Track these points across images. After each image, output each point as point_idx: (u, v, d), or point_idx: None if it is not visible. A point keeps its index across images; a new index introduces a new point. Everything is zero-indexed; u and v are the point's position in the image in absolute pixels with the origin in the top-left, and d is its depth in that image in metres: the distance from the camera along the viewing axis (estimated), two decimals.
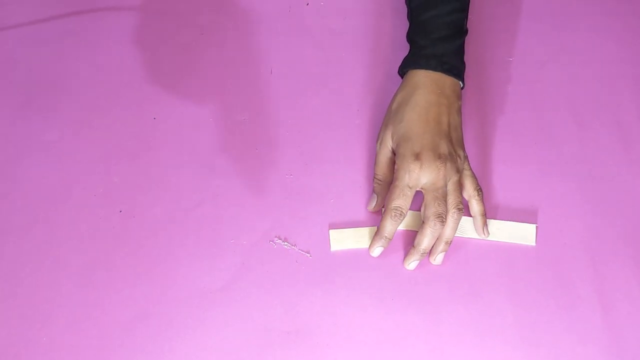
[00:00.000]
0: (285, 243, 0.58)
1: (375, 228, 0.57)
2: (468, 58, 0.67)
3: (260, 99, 0.65)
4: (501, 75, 0.66)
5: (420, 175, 0.53)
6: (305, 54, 0.68)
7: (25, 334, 0.54)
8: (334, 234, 0.57)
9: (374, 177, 0.58)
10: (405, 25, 0.67)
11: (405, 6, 0.67)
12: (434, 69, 0.57)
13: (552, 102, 0.64)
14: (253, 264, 0.57)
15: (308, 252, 0.57)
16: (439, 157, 0.54)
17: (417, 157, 0.53)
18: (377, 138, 0.59)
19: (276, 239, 0.58)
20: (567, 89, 0.65)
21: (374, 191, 0.58)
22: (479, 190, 0.56)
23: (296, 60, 0.67)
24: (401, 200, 0.54)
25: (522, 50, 0.68)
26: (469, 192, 0.56)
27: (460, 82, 0.59)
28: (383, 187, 0.57)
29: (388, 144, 0.57)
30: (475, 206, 0.56)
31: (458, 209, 0.54)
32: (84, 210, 0.59)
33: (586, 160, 0.61)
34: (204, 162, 0.61)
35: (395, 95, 0.59)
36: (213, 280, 0.56)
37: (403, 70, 0.60)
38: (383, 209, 0.56)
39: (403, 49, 0.64)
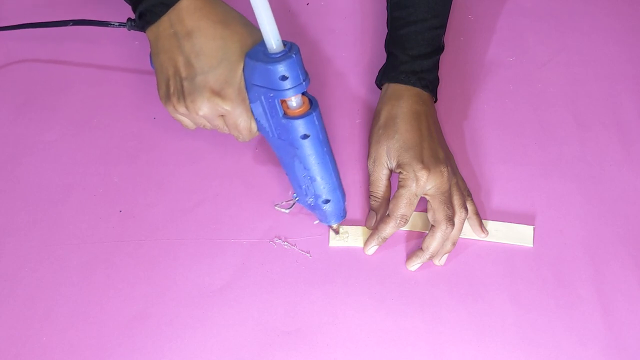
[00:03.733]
0: (285, 243, 0.58)
1: None
2: (468, 57, 0.67)
3: None
4: (501, 75, 0.66)
5: (427, 181, 0.53)
6: (305, 53, 0.68)
7: (25, 334, 0.54)
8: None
9: (371, 195, 0.57)
10: None
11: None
12: (413, 84, 0.58)
13: (552, 102, 0.64)
14: (253, 264, 0.57)
15: (308, 252, 0.57)
16: (441, 162, 0.54)
17: (423, 164, 0.54)
18: (367, 156, 0.58)
19: (276, 239, 0.58)
20: (567, 89, 0.65)
21: (372, 208, 0.57)
22: (469, 191, 0.58)
23: None
24: (408, 208, 0.54)
25: (522, 50, 0.68)
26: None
27: (434, 97, 0.60)
28: (381, 204, 0.57)
29: (383, 161, 0.56)
30: (468, 207, 0.57)
31: (464, 208, 0.55)
32: (84, 210, 0.59)
33: (586, 160, 0.61)
34: (204, 162, 0.61)
35: (379, 110, 0.59)
36: (213, 280, 0.56)
37: (382, 82, 0.61)
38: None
39: None
